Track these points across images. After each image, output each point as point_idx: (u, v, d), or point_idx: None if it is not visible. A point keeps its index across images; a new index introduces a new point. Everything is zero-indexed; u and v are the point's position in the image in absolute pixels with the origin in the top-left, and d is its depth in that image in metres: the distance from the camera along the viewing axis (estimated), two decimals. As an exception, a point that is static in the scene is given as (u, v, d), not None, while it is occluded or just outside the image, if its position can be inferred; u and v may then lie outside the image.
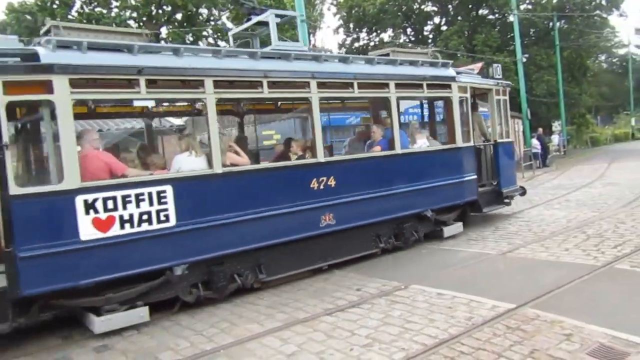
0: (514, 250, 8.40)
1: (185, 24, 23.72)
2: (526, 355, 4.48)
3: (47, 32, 6.26)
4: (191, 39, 23.95)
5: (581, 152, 36.48)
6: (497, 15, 37.26)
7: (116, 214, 5.89)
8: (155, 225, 6.15)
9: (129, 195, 5.98)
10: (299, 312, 6.20)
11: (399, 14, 37.52)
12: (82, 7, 20.43)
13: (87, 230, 5.69)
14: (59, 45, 5.79)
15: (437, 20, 40.10)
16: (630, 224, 9.47)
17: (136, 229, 6.02)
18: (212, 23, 25.20)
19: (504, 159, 11.27)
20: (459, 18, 37.09)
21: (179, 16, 24.34)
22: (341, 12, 39.50)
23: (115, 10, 21.40)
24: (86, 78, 5.94)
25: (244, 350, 5.20)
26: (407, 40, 40.12)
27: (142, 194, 6.08)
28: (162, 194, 6.22)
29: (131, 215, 5.99)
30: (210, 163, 6.72)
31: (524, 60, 29.02)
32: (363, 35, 40.09)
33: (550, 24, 35.21)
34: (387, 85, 8.66)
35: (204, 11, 24.88)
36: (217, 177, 6.69)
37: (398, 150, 8.81)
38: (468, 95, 10.28)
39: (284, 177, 7.48)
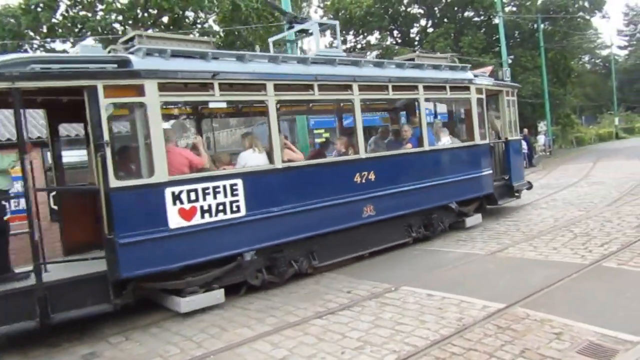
0: (503, 250, 8.44)
1: (171, 27, 23.57)
2: (517, 354, 4.50)
3: (130, 40, 6.94)
4: (177, 42, 23.85)
5: (567, 151, 36.89)
6: (482, 17, 37.58)
7: (197, 205, 6.57)
8: (229, 215, 6.84)
9: (207, 188, 6.67)
10: (289, 315, 6.16)
11: (386, 16, 37.65)
12: (67, 11, 20.18)
13: (174, 219, 6.37)
14: (147, 53, 6.45)
15: (423, 22, 40.34)
16: (616, 222, 9.58)
17: (214, 218, 6.70)
18: (199, 26, 25.06)
19: (514, 155, 12.15)
20: (445, 20, 37.37)
21: (165, 19, 24.19)
22: (328, 15, 39.54)
23: (101, 13, 21.20)
24: (171, 82, 6.60)
25: (235, 356, 5.15)
26: (394, 42, 40.29)
27: (218, 187, 6.78)
28: (234, 187, 6.93)
29: (210, 206, 6.67)
30: (270, 159, 7.43)
31: (510, 61, 29.31)
32: (350, 37, 40.17)
33: (535, 25, 35.60)
34: (416, 87, 9.51)
35: (190, 14, 24.75)
36: (278, 172, 7.43)
37: (426, 147, 9.61)
38: (484, 96, 11.05)
39: (332, 172, 8.24)
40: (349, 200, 8.19)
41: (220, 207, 6.77)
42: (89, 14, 20.74)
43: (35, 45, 20.33)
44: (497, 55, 30.86)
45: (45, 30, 19.65)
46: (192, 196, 6.52)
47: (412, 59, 10.31)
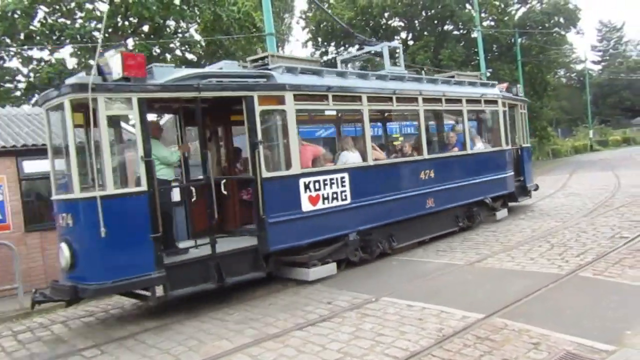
0: (482, 261, 8.52)
1: (152, 36, 23.42)
2: (496, 365, 4.52)
3: (260, 59, 8.62)
4: (158, 50, 23.62)
5: (543, 163, 37.55)
6: (461, 31, 38.20)
7: (320, 193, 8.17)
8: (340, 202, 8.46)
9: (326, 179, 8.30)
10: (269, 327, 6.10)
11: (367, 28, 38.00)
12: (45, 18, 19.88)
13: (305, 204, 7.95)
14: (285, 71, 8.08)
15: (404, 35, 40.79)
16: (592, 233, 9.75)
17: (330, 204, 8.31)
18: (180, 35, 24.95)
19: (527, 160, 14.39)
20: (425, 33, 37.86)
21: (145, 28, 24.02)
22: (310, 26, 39.78)
23: (80, 21, 20.93)
24: (301, 93, 8.11)
25: (213, 368, 5.07)
26: (374, 54, 40.69)
27: (333, 179, 8.42)
28: (343, 179, 8.57)
29: (328, 194, 8.28)
30: (363, 157, 9.12)
31: (488, 74, 29.78)
32: (331, 49, 40.45)
33: (512, 40, 36.33)
34: (460, 101, 11.49)
35: (171, 23, 24.62)
36: (370, 168, 9.14)
37: (469, 150, 11.54)
38: (507, 108, 13.08)
39: (406, 169, 9.98)
40: (416, 194, 9.96)
41: (334, 195, 8.41)
42: (68, 22, 20.47)
43: (11, 53, 19.97)
44: (476, 68, 31.37)
45: (22, 37, 19.30)
46: (317, 186, 8.14)
47: (452, 76, 12.29)
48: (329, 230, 8.32)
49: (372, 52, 12.19)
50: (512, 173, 13.00)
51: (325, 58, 40.55)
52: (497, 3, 36.84)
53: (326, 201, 8.25)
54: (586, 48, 70.78)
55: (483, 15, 35.34)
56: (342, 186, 8.55)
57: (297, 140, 8.05)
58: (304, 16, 41.10)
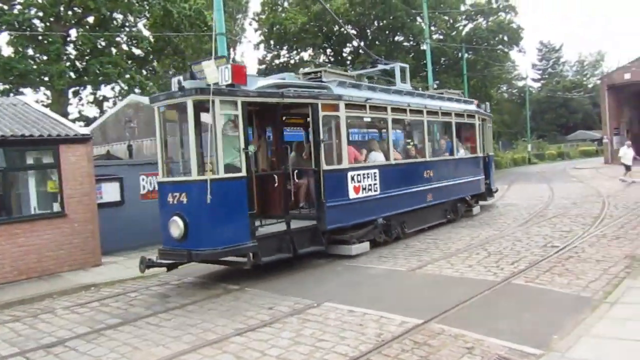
0: (423, 267, 8.70)
1: (97, 28, 22.56)
2: (431, 370, 4.60)
3: (312, 73, 10.63)
4: (103, 43, 22.78)
5: (485, 174, 38.92)
6: (412, 42, 39.20)
7: (360, 184, 10.11)
8: (372, 193, 10.43)
9: (364, 174, 10.26)
10: (207, 333, 5.96)
11: (320, 34, 38.26)
12: (-21, 3, 18.75)
13: (351, 192, 9.89)
14: (338, 84, 10.08)
15: (355, 43, 41.38)
16: (526, 242, 10.19)
17: (366, 194, 10.24)
18: (127, 29, 24.18)
19: (492, 166, 17.04)
20: (377, 43, 38.54)
21: (91, 19, 23.12)
22: (262, 29, 39.57)
23: (19, 7, 19.85)
24: (349, 103, 10.05)
25: (146, 375, 4.89)
26: (327, 60, 40.98)
27: (368, 173, 10.38)
28: (375, 174, 10.54)
29: (365, 186, 10.22)
30: (386, 157, 11.18)
31: (435, 86, 30.63)
32: (284, 52, 40.40)
33: (459, 54, 37.63)
34: (450, 114, 13.89)
35: (118, 16, 23.82)
36: (392, 166, 11.24)
37: (456, 155, 13.99)
38: (481, 122, 15.65)
39: (415, 168, 12.17)
40: (421, 189, 12.11)
41: (369, 187, 10.35)
42: (5, 7, 19.36)
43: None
44: (424, 79, 32.23)
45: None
46: (359, 178, 10.08)
47: (442, 93, 14.87)
48: (365, 215, 10.26)
49: (380, 68, 14.73)
50: (483, 176, 15.57)
51: (276, 61, 40.52)
52: (446, 18, 38.12)
53: (364, 191, 10.23)
54: (527, 66, 74.42)
55: (433, 28, 36.44)
56: (374, 180, 10.56)
57: (346, 140, 10.01)
58: (257, 18, 40.84)
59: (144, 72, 26.58)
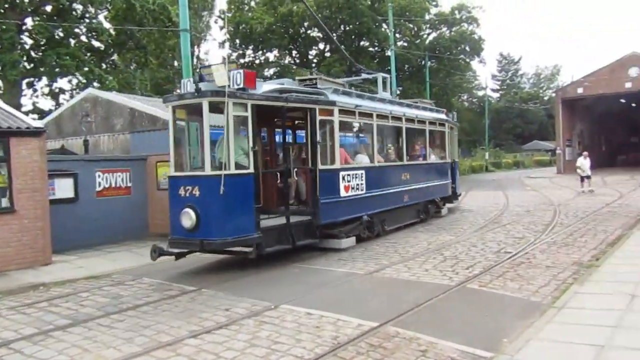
0: (380, 271, 8.80)
1: (55, 18, 21.78)
2: (385, 372, 4.65)
3: (308, 80, 11.48)
4: (61, 34, 22.02)
5: (444, 180, 39.75)
6: (377, 48, 39.68)
7: (349, 184, 10.88)
8: (359, 192, 11.23)
9: (353, 174, 11.05)
10: (161, 335, 5.83)
11: (286, 35, 38.23)
12: None
13: (342, 191, 10.65)
14: (333, 91, 10.87)
15: (321, 46, 41.55)
16: (481, 247, 10.46)
17: (354, 193, 11.04)
18: (87, 21, 23.45)
19: (457, 172, 18.31)
20: (343, 47, 38.84)
21: (49, 8, 22.31)
22: (228, 27, 39.19)
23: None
24: (341, 109, 10.75)
25: (95, 378, 4.74)
26: (292, 62, 40.97)
27: (356, 174, 11.17)
28: (362, 175, 11.34)
29: (353, 185, 11.01)
30: (371, 159, 12.06)
31: (398, 92, 31.12)
32: (249, 52, 40.15)
33: (423, 62, 38.35)
34: (425, 122, 14.96)
35: (78, 7, 23.08)
36: (376, 168, 12.17)
37: (429, 160, 15.20)
38: (449, 130, 16.93)
39: (394, 171, 13.11)
40: (399, 190, 13.06)
41: (357, 186, 11.15)
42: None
43: None
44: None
45: None
46: (348, 178, 10.87)
47: (417, 102, 15.98)
48: (353, 212, 11.09)
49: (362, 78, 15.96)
50: (450, 181, 16.66)
51: (242, 61, 40.16)
52: (411, 26, 38.77)
53: (352, 190, 11.02)
54: (487, 76, 76.46)
55: (398, 36, 36.97)
56: (361, 180, 11.36)
57: (338, 144, 10.75)
58: (222, 16, 40.42)
59: (104, 66, 25.84)
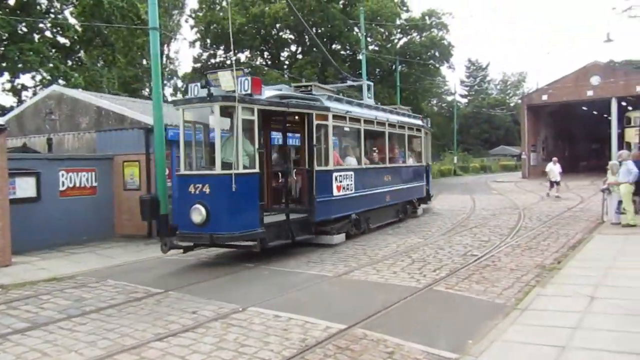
0: (349, 273, 8.84)
1: (18, 12, 21.11)
2: (352, 374, 4.67)
3: (304, 87, 12.47)
4: (24, 29, 21.35)
5: (413, 183, 40.24)
6: (348, 51, 39.88)
7: (341, 184, 11.65)
8: (349, 192, 12.06)
9: (344, 175, 11.88)
10: (125, 338, 5.71)
11: (258, 36, 38.03)
12: None
13: (335, 190, 11.42)
14: (327, 97, 11.79)
15: (293, 48, 41.51)
16: (448, 250, 10.63)
17: (345, 193, 11.84)
18: (52, 16, 22.80)
19: (430, 175, 19.33)
20: (314, 49, 38.89)
21: (11, 1, 21.61)
22: (199, 26, 38.75)
23: None
24: (334, 114, 11.58)
25: (55, 384, 4.60)
26: (264, 63, 40.80)
27: (347, 175, 12.01)
28: (351, 176, 12.16)
29: (344, 185, 11.82)
30: (359, 162, 12.93)
31: (369, 96, 31.38)
32: (220, 52, 39.76)
33: (393, 66, 38.74)
34: (404, 127, 16.00)
35: (43, 1, 22.43)
36: (363, 170, 13.03)
37: (408, 163, 16.20)
38: (424, 135, 18.02)
39: (379, 173, 14.07)
40: (382, 191, 14.00)
41: (347, 186, 11.95)
42: None
43: None
44: (359, 89, 32.89)
45: None
46: (340, 179, 11.63)
47: (396, 108, 16.92)
48: (344, 210, 11.85)
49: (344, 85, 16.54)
50: (425, 182, 17.65)
51: (212, 61, 39.82)
52: (382, 30, 39.12)
53: (343, 190, 11.79)
54: (456, 82, 77.75)
55: (369, 39, 37.24)
56: (351, 181, 12.15)
57: (332, 146, 11.53)
58: (193, 15, 39.94)
59: (70, 63, 25.16)
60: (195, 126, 9.96)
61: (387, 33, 40.28)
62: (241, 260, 10.35)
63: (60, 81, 22.00)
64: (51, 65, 22.05)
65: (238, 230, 9.07)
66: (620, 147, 31.37)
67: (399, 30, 41.78)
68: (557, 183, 22.38)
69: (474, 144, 73.73)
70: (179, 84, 44.69)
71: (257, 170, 9.49)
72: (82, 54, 26.58)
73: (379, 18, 36.00)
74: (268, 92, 10.25)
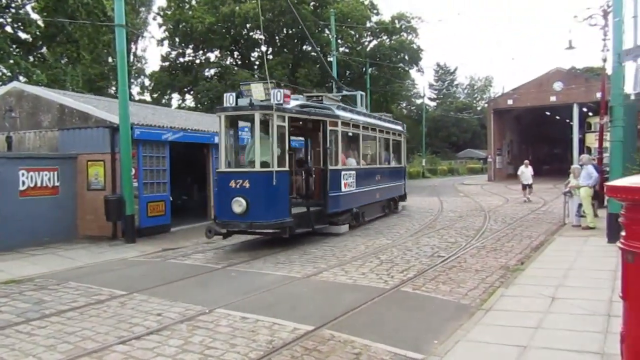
0: (318, 274, 8.83)
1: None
2: (319, 376, 4.66)
3: (315, 97, 14.64)
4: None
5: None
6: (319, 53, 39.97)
7: (347, 181, 13.47)
8: (352, 188, 13.85)
9: (349, 174, 13.67)
10: (86, 341, 5.55)
11: (228, 36, 37.72)
12: None
13: (342, 187, 13.22)
14: (337, 107, 13.83)
15: (264, 48, 41.37)
16: (415, 251, 10.75)
17: (350, 189, 13.69)
18: (13, 11, 22.05)
19: (406, 175, 21.76)
20: (285, 50, 38.85)
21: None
22: (167, 25, 38.16)
23: None
24: (342, 122, 13.43)
25: (11, 390, 4.43)
26: (234, 63, 40.48)
27: (351, 174, 13.78)
28: (353, 175, 13.93)
29: (349, 182, 13.60)
30: (358, 163, 14.77)
31: (340, 97, 31.49)
32: (189, 51, 39.26)
33: (364, 69, 39.05)
34: (390, 132, 18.15)
35: (3, -5, 21.68)
36: (361, 169, 14.83)
37: (392, 165, 18.35)
38: (403, 139, 20.35)
39: (372, 172, 16.02)
40: (374, 188, 15.89)
41: (351, 184, 13.75)
42: None
43: None
44: (330, 90, 33.00)
45: None
46: (346, 177, 13.43)
47: (382, 116, 18.69)
48: (348, 205, 13.77)
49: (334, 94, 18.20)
50: (403, 182, 19.81)
51: (181, 60, 39.28)
52: (353, 33, 39.37)
53: (348, 187, 13.62)
54: (425, 85, 78.93)
55: (339, 41, 37.42)
56: (353, 179, 13.91)
57: (341, 149, 13.36)
58: (162, 13, 39.31)
59: (31, 59, 24.37)
60: (238, 130, 12.00)
61: (357, 35, 40.58)
62: (208, 261, 10.23)
63: (22, 78, 21.29)
64: (11, 61, 21.31)
65: (273, 219, 10.80)
66: (581, 152, 32.50)
67: (369, 33, 42.14)
68: (530, 186, 22.10)
69: (442, 147, 74.90)
70: (147, 82, 43.88)
71: (287, 168, 11.42)
72: (44, 50, 25.81)
73: (349, 20, 36.24)
74: (293, 103, 11.92)
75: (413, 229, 14.35)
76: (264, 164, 10.84)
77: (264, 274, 8.98)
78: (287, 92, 11.26)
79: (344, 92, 18.33)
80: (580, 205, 12.85)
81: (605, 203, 12.73)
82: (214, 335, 5.72)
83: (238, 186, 10.69)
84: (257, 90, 10.68)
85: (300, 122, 13.15)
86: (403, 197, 19.81)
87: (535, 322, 5.74)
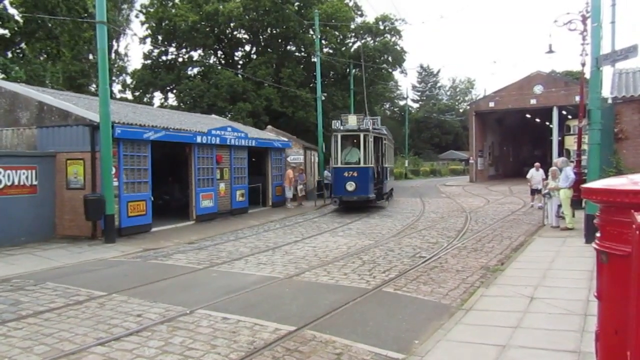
0: (300, 274, 8.83)
1: (-47, 0, 19.87)
2: (300, 376, 4.65)
3: (373, 120, 21.89)
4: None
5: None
6: (303, 53, 39.94)
7: (384, 174, 22.54)
8: (386, 180, 23.09)
9: (385, 169, 22.69)
10: (64, 343, 5.46)
11: (211, 35, 37.46)
12: None
13: (386, 178, 22.77)
14: (385, 128, 24.39)
15: (248, 48, 41.17)
16: (397, 252, 10.82)
17: (386, 180, 22.89)
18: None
19: (392, 176, 27.84)
20: (269, 50, 38.71)
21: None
22: (150, 22, 37.74)
23: None
24: (385, 136, 22.99)
25: (-15, 393, 4.34)
26: (217, 62, 40.22)
27: (384, 170, 22.48)
28: (386, 170, 23.33)
29: (385, 175, 22.81)
30: (380, 163, 21.75)
31: (323, 98, 31.49)
32: (172, 49, 38.88)
33: (347, 69, 39.12)
34: (386, 138, 22.71)
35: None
36: (385, 167, 22.52)
37: (387, 165, 23.64)
38: (390, 142, 25.40)
39: (383, 170, 22.05)
40: (391, 180, 24.68)
41: (385, 177, 22.35)
42: None
43: None
44: (313, 90, 32.99)
45: None
46: (384, 172, 22.08)
47: (375, 122, 22.00)
48: (387, 189, 21.73)
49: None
50: (393, 179, 25.58)
51: (164, 58, 38.89)
52: (337, 33, 39.41)
53: (386, 178, 21.62)
54: (408, 87, 79.49)
55: (323, 42, 37.43)
56: (386, 173, 21.74)
57: (381, 154, 21.47)
58: (144, 11, 38.86)
59: (10, 55, 23.91)
60: (350, 143, 19.51)
61: (341, 36, 40.62)
62: (190, 262, 10.15)
63: (-1, 74, 20.87)
64: (-11, 56, 20.86)
65: (368, 194, 18.86)
66: (560, 154, 33.01)
67: (353, 34, 42.22)
68: (539, 191, 18.41)
69: (424, 148, 75.48)
70: (128, 80, 43.33)
71: (372, 165, 19.23)
72: (23, 46, 25.34)
73: (333, 21, 36.27)
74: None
75: (395, 230, 14.42)
76: (364, 162, 18.83)
77: (245, 274, 8.94)
78: (373, 119, 20.61)
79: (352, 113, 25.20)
80: (559, 207, 13.07)
81: (583, 205, 12.96)
82: (195, 336, 5.68)
83: (349, 175, 18.68)
84: (352, 119, 19.40)
85: (370, 138, 19.37)
86: (391, 192, 25.08)
87: (515, 321, 5.82)
